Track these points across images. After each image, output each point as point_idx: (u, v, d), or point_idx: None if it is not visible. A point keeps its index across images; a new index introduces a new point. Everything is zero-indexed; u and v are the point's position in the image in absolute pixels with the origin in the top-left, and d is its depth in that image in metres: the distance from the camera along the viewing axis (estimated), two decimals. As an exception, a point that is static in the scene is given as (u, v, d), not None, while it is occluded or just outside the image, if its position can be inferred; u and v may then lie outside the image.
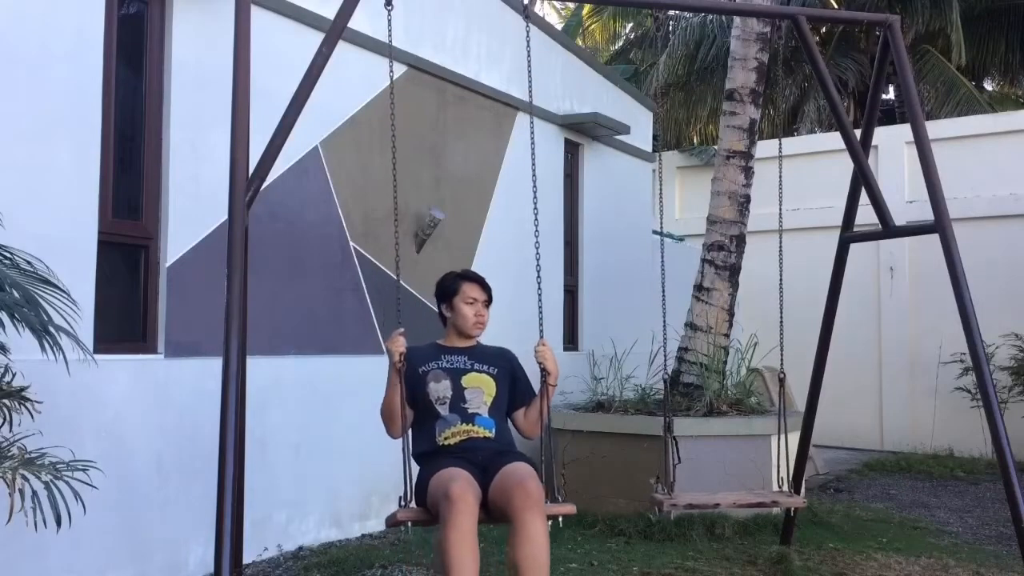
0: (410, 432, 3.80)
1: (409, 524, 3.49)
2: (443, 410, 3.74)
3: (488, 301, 4.02)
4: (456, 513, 3.20)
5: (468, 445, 3.69)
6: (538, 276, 3.88)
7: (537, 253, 3.96)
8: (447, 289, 4.00)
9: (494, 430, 3.74)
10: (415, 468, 3.70)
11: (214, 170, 5.22)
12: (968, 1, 14.38)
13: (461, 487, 3.27)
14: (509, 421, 3.96)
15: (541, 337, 3.80)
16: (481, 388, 3.81)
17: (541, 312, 3.89)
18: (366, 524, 6.41)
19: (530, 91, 4.33)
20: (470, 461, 3.59)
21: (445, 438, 3.70)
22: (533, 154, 4.26)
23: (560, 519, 3.50)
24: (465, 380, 3.80)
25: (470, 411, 3.73)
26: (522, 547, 3.25)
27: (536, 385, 3.88)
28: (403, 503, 3.53)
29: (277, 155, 4.05)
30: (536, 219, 4.12)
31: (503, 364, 3.94)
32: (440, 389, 3.75)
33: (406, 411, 3.67)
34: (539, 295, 3.85)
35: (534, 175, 4.23)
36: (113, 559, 4.73)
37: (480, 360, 3.90)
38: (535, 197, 4.22)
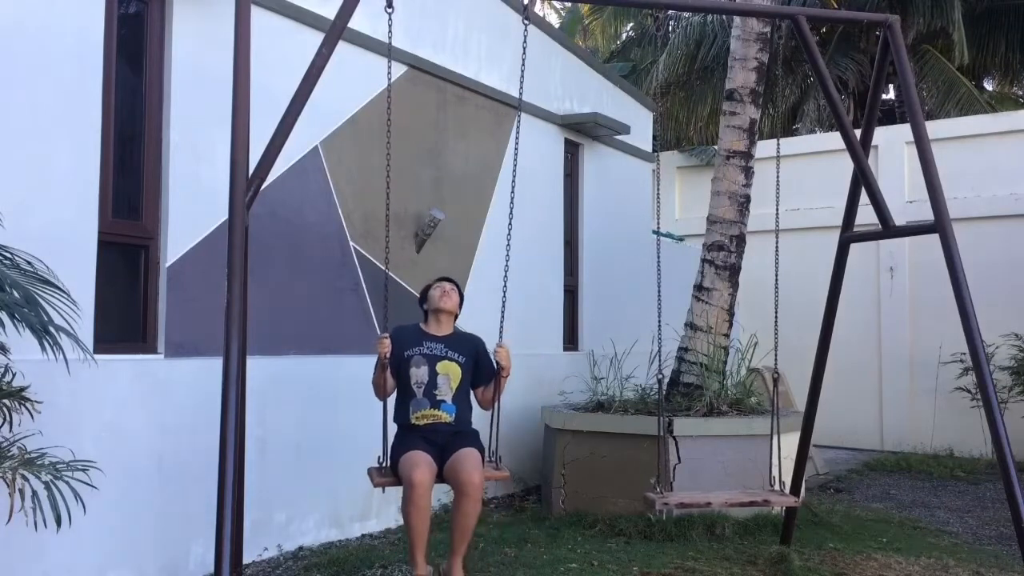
0: (394, 397, 4.73)
1: (383, 489, 4.55)
2: (418, 392, 4.66)
3: (453, 287, 4.92)
4: (415, 494, 4.25)
5: (432, 428, 4.62)
6: (505, 277, 4.63)
7: (507, 256, 4.69)
8: (423, 292, 5.02)
9: (454, 415, 4.68)
10: (392, 429, 4.61)
11: (214, 170, 5.22)
12: (969, 1, 14.38)
13: (420, 473, 4.26)
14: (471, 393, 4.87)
15: (500, 338, 4.59)
16: (449, 375, 4.70)
17: (503, 315, 4.61)
18: (366, 524, 6.42)
19: (520, 90, 4.34)
20: (432, 442, 4.55)
21: (416, 418, 4.64)
22: (516, 152, 4.27)
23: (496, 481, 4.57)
24: (439, 367, 4.70)
25: (438, 398, 4.66)
26: (459, 518, 4.41)
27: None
28: (380, 463, 4.49)
29: (277, 155, 4.06)
30: (510, 221, 4.70)
31: (470, 351, 4.81)
32: (419, 374, 4.67)
33: (389, 385, 4.61)
34: (504, 295, 4.58)
35: (514, 175, 4.25)
36: (113, 559, 4.73)
37: (453, 348, 4.77)
38: (512, 198, 4.23)
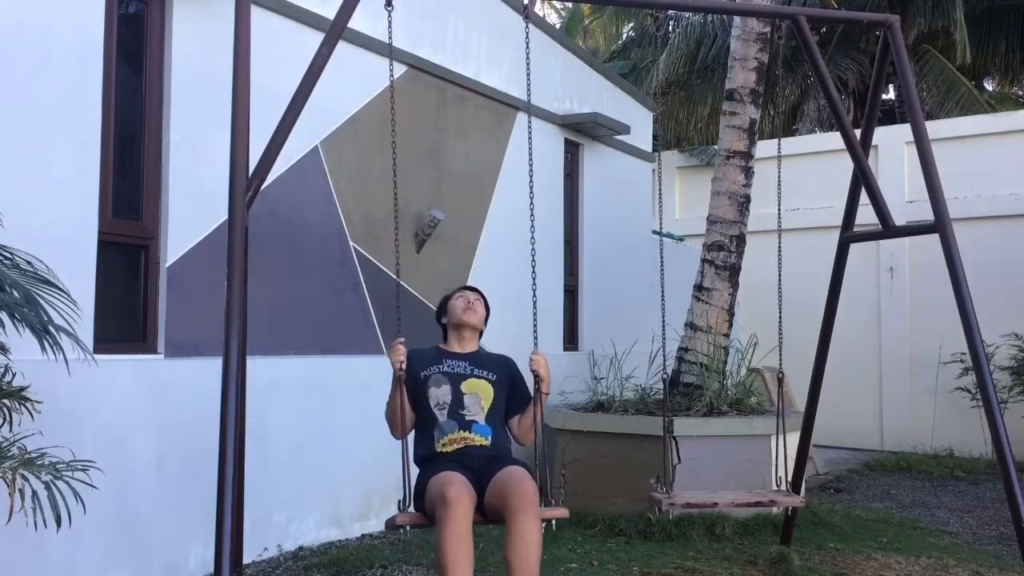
0: (412, 434, 3.93)
1: (407, 528, 3.62)
2: (441, 416, 3.82)
3: (479, 297, 4.19)
4: (452, 515, 3.31)
5: (464, 452, 3.77)
6: (533, 283, 4.06)
7: (533, 260, 4.16)
8: (443, 302, 4.22)
9: (490, 437, 3.83)
10: (414, 471, 3.81)
11: (214, 170, 5.22)
12: (969, 1, 14.38)
13: (457, 490, 3.36)
14: (506, 426, 4.04)
15: (536, 345, 3.90)
16: (479, 394, 3.89)
17: (536, 319, 4.02)
18: (366, 524, 6.41)
19: (528, 92, 4.33)
20: (466, 467, 3.68)
21: (443, 445, 3.79)
22: (531, 152, 4.27)
23: (554, 522, 3.61)
24: (464, 385, 3.89)
25: (468, 418, 3.82)
26: (515, 546, 3.34)
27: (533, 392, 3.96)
28: (401, 507, 3.67)
29: (277, 155, 4.05)
30: (532, 224, 4.29)
31: (503, 371, 4.02)
32: (440, 394, 3.85)
33: (407, 415, 3.81)
34: (534, 301, 4.01)
35: (531, 175, 4.24)
36: (113, 559, 4.73)
37: (480, 366, 3.98)
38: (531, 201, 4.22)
